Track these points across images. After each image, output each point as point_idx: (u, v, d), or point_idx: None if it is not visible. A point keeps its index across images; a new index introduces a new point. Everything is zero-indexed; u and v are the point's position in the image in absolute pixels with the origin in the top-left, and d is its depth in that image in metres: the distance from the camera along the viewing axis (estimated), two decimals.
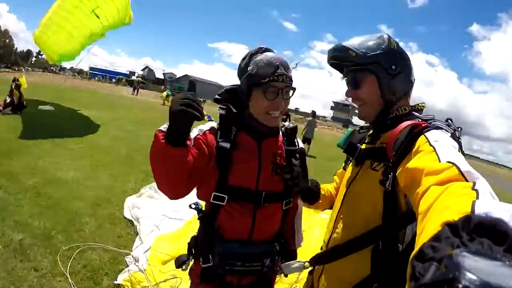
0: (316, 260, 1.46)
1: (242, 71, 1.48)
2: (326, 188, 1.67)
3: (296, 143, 1.67)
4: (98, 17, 9.83)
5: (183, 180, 1.35)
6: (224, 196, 1.44)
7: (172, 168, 1.29)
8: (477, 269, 0.34)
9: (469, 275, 0.33)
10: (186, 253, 1.63)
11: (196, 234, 1.63)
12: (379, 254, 1.21)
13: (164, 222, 4.16)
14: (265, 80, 1.39)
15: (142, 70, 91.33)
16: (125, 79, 64.61)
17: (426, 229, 0.60)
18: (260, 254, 1.49)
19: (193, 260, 1.61)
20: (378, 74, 1.27)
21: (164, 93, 31.77)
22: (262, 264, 1.48)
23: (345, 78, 1.38)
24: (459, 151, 1.00)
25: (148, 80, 77.74)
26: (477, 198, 0.62)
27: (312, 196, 1.59)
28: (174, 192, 1.43)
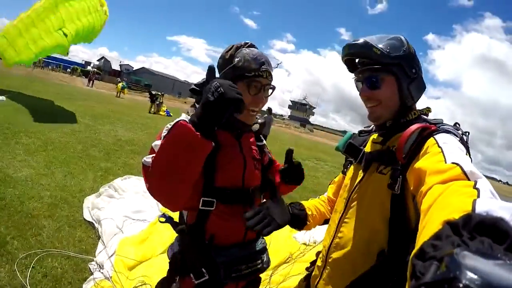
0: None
1: (225, 62, 1.44)
2: (313, 205, 1.61)
3: (262, 139, 1.70)
4: (65, 35, 9.80)
5: (193, 183, 1.27)
6: (213, 200, 1.37)
7: (195, 165, 1.22)
8: (478, 268, 0.34)
9: (470, 275, 0.34)
10: (167, 274, 1.50)
11: (176, 249, 1.50)
12: (384, 263, 1.19)
13: (127, 223, 4.02)
14: (250, 74, 1.38)
15: (98, 60, 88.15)
16: (80, 69, 61.65)
17: (427, 227, 0.61)
18: (258, 252, 1.50)
19: (178, 278, 1.47)
20: (399, 76, 1.25)
21: (119, 85, 31.25)
22: (261, 261, 1.50)
23: (359, 76, 1.35)
24: (466, 154, 1.02)
25: (104, 72, 74.92)
26: (478, 196, 0.63)
27: (299, 223, 1.51)
28: (179, 200, 1.30)
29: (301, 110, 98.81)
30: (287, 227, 1.43)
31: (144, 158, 1.23)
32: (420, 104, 1.38)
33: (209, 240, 1.39)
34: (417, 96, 1.31)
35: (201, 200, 1.36)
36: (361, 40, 1.28)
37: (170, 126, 1.22)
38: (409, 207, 1.15)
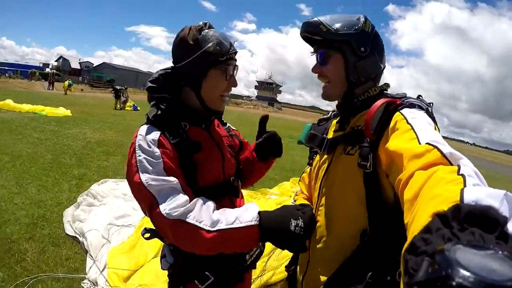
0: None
1: (191, 48, 1.28)
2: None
3: (225, 122, 1.64)
4: None
5: None
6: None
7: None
8: (470, 264, 0.34)
9: (462, 272, 0.33)
10: (168, 286, 1.46)
11: (171, 260, 1.41)
12: (369, 238, 1.16)
13: (113, 231, 3.93)
14: (223, 58, 1.29)
15: (56, 61, 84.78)
16: (39, 72, 59.05)
17: (417, 220, 0.61)
18: None
19: (182, 287, 1.40)
20: (345, 53, 1.25)
21: (66, 83, 32.24)
22: (257, 246, 1.45)
23: (314, 54, 1.35)
24: (435, 128, 1.02)
25: (64, 72, 72.47)
26: (465, 185, 0.62)
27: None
28: None
29: (267, 90, 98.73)
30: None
31: (173, 212, 1.11)
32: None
33: None
34: (367, 74, 1.29)
35: None
36: (313, 19, 1.28)
37: (150, 153, 1.18)
38: (384, 184, 1.13)
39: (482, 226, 0.42)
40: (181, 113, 1.35)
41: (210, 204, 1.20)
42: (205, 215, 1.14)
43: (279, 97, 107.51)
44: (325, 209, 1.31)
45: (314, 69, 1.34)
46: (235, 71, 1.37)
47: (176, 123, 1.32)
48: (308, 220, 1.18)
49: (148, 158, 1.18)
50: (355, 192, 1.19)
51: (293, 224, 1.12)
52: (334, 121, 1.45)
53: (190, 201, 1.16)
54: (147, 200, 1.15)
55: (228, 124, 1.65)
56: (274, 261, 3.39)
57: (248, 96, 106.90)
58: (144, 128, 1.28)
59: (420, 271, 0.38)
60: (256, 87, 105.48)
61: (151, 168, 1.17)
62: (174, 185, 1.17)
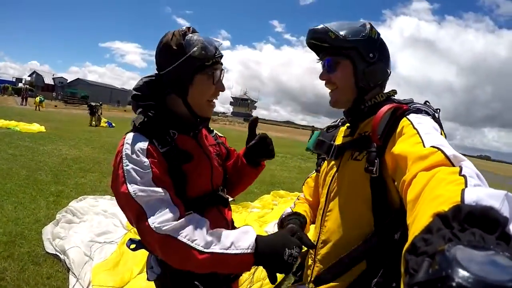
0: (318, 281, 1.34)
1: (175, 53, 1.24)
2: (303, 210, 1.57)
3: (211, 129, 1.63)
4: None
5: None
6: (189, 212, 1.20)
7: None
8: (470, 264, 0.34)
9: (462, 272, 0.33)
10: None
11: (158, 271, 1.36)
12: (375, 246, 1.17)
13: (95, 248, 3.84)
14: (209, 62, 1.26)
15: (30, 76, 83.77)
16: (11, 87, 57.42)
17: (417, 220, 0.61)
18: None
19: None
20: (354, 60, 1.27)
21: (37, 98, 32.12)
22: None
23: (321, 61, 1.37)
24: (441, 133, 1.04)
25: (37, 87, 71.18)
26: (466, 185, 0.63)
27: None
28: None
29: (243, 106, 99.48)
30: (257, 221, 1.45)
31: (163, 227, 1.08)
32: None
33: None
34: (375, 80, 1.31)
35: None
36: (320, 26, 1.30)
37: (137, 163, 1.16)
38: (390, 188, 1.15)
39: (483, 226, 0.42)
40: (168, 121, 1.31)
41: (204, 223, 1.16)
42: (199, 234, 1.10)
43: (254, 113, 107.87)
44: (333, 214, 1.33)
45: (321, 76, 1.35)
46: (221, 75, 1.33)
47: (165, 131, 1.28)
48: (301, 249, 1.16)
49: (136, 168, 1.15)
50: (361, 197, 1.21)
51: (287, 253, 1.09)
52: (342, 128, 1.47)
53: (181, 213, 1.14)
54: (135, 211, 1.12)
55: (215, 131, 1.64)
56: (262, 272, 3.38)
57: (224, 113, 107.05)
58: (130, 136, 1.23)
59: (421, 272, 0.38)
60: (231, 103, 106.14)
61: (139, 178, 1.13)
62: (163, 197, 1.13)
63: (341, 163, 1.35)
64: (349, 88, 1.31)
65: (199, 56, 1.23)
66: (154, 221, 1.08)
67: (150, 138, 1.23)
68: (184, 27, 1.31)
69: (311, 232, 1.49)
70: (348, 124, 1.43)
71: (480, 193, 0.55)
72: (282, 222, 1.49)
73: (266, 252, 1.10)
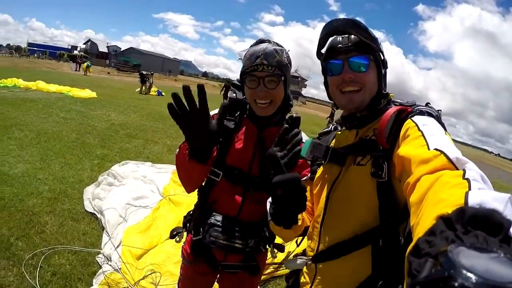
0: (318, 258, 1.31)
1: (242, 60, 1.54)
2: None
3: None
4: None
5: (201, 181, 1.61)
6: (219, 172, 1.55)
7: (192, 177, 1.54)
8: (473, 265, 0.34)
9: (465, 273, 0.33)
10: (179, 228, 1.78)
11: (192, 209, 1.74)
12: (380, 250, 1.13)
13: (130, 211, 4.01)
14: (248, 70, 1.45)
15: (84, 44, 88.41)
16: (67, 54, 60.75)
17: (421, 223, 0.60)
18: (245, 233, 1.53)
19: (186, 233, 1.75)
20: (379, 63, 1.25)
21: (85, 64, 34.86)
22: (246, 244, 1.52)
23: (338, 56, 1.24)
24: (445, 133, 1.01)
25: (91, 55, 74.80)
26: (469, 188, 0.62)
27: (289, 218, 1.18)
28: (192, 189, 1.62)
29: (293, 83, 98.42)
30: None
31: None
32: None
33: (210, 204, 1.58)
34: (386, 85, 1.30)
35: (210, 169, 1.55)
36: (355, 19, 1.23)
37: None
38: (398, 191, 1.09)
39: (486, 229, 0.41)
40: (243, 107, 1.61)
41: None
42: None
43: (304, 91, 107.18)
44: (334, 222, 1.27)
45: (347, 74, 1.23)
46: (262, 82, 1.45)
47: (235, 110, 1.60)
48: None
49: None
50: (366, 203, 1.16)
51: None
52: (337, 133, 1.43)
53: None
54: None
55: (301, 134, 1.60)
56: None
57: None
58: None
59: (423, 272, 0.38)
60: None
61: None
62: None
63: (343, 168, 1.28)
64: (373, 91, 1.26)
65: (243, 64, 1.49)
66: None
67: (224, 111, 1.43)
68: (259, 39, 1.57)
69: (305, 242, 1.46)
70: (343, 129, 1.39)
71: (484, 196, 0.56)
72: None
73: None
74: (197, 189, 1.65)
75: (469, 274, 0.33)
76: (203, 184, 1.64)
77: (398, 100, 1.30)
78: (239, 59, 1.55)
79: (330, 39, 1.29)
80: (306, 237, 1.45)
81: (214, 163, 1.55)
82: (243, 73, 1.49)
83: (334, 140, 1.42)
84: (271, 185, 1.08)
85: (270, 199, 1.25)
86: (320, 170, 1.41)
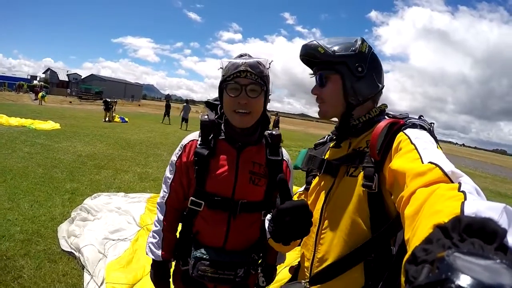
0: (314, 280, 1.32)
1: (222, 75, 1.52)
2: None
3: (280, 153, 1.64)
4: None
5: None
6: (201, 202, 1.51)
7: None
8: (469, 268, 0.35)
9: (462, 275, 0.34)
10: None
11: (177, 236, 1.71)
12: (372, 263, 1.17)
13: (109, 246, 3.92)
14: (230, 77, 1.45)
15: (44, 73, 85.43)
16: (27, 84, 58.49)
17: (418, 233, 0.62)
18: (233, 263, 1.50)
19: (175, 262, 1.70)
20: (343, 74, 1.29)
21: (40, 94, 36.10)
22: (235, 274, 1.49)
23: (314, 76, 1.38)
24: (437, 147, 1.04)
25: (52, 84, 72.42)
26: (465, 199, 0.63)
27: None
28: None
29: None
30: None
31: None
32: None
33: (194, 234, 1.56)
34: (365, 94, 1.32)
35: (190, 199, 1.52)
36: (311, 42, 1.34)
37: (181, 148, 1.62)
38: (389, 203, 1.14)
39: (482, 237, 0.43)
40: (217, 128, 1.58)
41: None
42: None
43: (268, 106, 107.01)
44: (329, 232, 1.30)
45: (313, 91, 1.37)
46: (244, 90, 1.45)
47: (209, 134, 1.56)
48: None
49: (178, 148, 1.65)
50: (359, 214, 1.20)
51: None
52: (332, 144, 1.47)
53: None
54: None
55: (282, 157, 1.64)
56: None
57: None
58: (190, 135, 1.66)
59: (420, 277, 0.38)
60: None
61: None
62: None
63: (336, 179, 1.33)
64: (337, 103, 1.33)
65: (224, 75, 1.48)
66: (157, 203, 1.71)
67: (196, 139, 1.60)
68: (239, 54, 1.60)
69: (297, 250, 1.49)
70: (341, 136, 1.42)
71: (480, 206, 0.56)
72: None
73: None
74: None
75: (466, 276, 0.34)
76: (185, 213, 1.59)
77: (391, 113, 1.34)
78: (220, 68, 1.51)
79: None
80: (300, 246, 1.48)
81: (194, 192, 1.52)
82: (223, 81, 1.48)
83: (329, 151, 1.47)
84: (279, 211, 1.08)
85: (269, 217, 1.24)
86: (315, 181, 1.45)
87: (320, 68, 1.34)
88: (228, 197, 1.51)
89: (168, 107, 24.61)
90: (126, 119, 22.08)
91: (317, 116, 1.45)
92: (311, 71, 1.42)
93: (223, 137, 1.57)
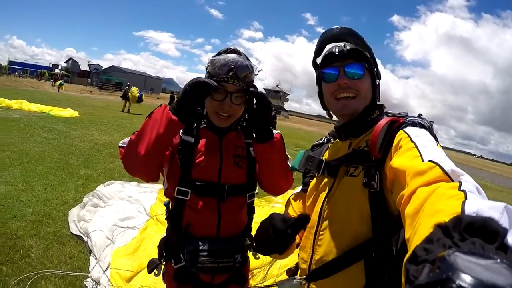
0: (312, 277, 1.30)
1: (207, 67, 1.48)
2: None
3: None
4: None
5: (162, 156, 1.46)
6: (187, 190, 1.48)
7: (164, 138, 1.37)
8: (470, 268, 0.35)
9: (462, 275, 0.34)
10: (157, 256, 1.65)
11: (164, 235, 1.65)
12: (373, 262, 1.14)
13: (117, 233, 3.94)
14: (217, 80, 1.40)
15: (66, 62, 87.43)
16: (48, 72, 59.95)
17: (419, 232, 0.61)
18: (230, 250, 1.50)
19: (164, 262, 1.63)
20: (373, 72, 1.28)
21: (58, 82, 37.45)
22: (233, 260, 1.49)
23: (335, 63, 1.28)
24: (437, 145, 1.02)
25: (73, 73, 74.09)
26: (466, 198, 0.63)
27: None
28: (149, 170, 1.50)
29: (275, 98, 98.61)
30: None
31: (120, 143, 1.58)
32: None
33: (185, 228, 1.50)
34: (379, 94, 1.33)
35: (176, 189, 1.48)
36: (348, 28, 1.29)
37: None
38: (390, 201, 1.11)
39: (483, 236, 0.43)
40: (199, 117, 1.59)
41: None
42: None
43: (286, 105, 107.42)
44: (327, 233, 1.27)
45: (342, 80, 1.26)
46: (230, 96, 1.44)
47: (191, 122, 1.55)
48: None
49: None
50: (359, 214, 1.17)
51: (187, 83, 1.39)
52: (330, 145, 1.45)
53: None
54: None
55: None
56: (276, 269, 3.38)
57: None
58: None
59: (421, 276, 0.38)
60: None
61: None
62: None
63: (336, 180, 1.30)
64: (368, 98, 1.30)
65: (210, 72, 1.44)
66: (120, 143, 1.63)
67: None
68: (227, 48, 1.56)
69: (296, 253, 1.47)
70: (337, 140, 1.41)
71: (480, 205, 0.56)
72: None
73: (176, 100, 1.41)
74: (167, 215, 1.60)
75: (467, 276, 0.34)
76: (172, 208, 1.56)
77: (391, 111, 1.32)
78: (208, 65, 1.46)
79: (327, 47, 1.33)
80: (298, 248, 1.46)
81: (180, 181, 1.49)
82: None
83: (327, 152, 1.44)
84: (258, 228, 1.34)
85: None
86: (313, 182, 1.42)
87: (355, 59, 1.26)
88: (214, 181, 1.51)
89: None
90: (143, 97, 22.33)
91: (334, 118, 1.42)
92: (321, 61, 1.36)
93: (204, 125, 1.58)
